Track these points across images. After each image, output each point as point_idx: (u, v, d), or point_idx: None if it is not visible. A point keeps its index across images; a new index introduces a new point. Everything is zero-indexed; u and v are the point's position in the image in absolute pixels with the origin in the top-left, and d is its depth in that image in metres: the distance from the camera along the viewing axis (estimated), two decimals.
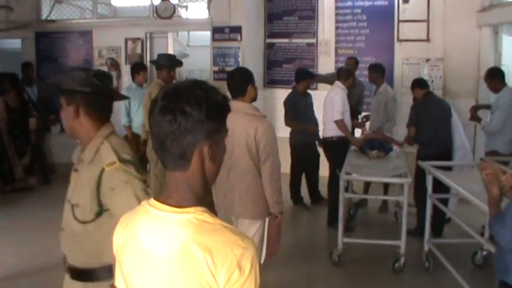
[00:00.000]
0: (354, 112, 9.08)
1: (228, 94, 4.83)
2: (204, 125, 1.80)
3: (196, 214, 1.82)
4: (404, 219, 6.38)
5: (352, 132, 8.81)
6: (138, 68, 9.46)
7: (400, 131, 8.87)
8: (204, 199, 1.91)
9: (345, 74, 8.27)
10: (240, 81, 4.78)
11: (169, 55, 8.30)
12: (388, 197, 8.59)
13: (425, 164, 6.64)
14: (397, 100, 9.20)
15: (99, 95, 2.86)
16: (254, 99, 4.88)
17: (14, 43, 13.06)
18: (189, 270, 1.75)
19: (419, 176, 7.10)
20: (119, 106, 9.55)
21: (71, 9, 12.55)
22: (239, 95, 4.76)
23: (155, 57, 11.73)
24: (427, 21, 10.07)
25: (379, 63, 9.26)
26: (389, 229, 7.88)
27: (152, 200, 1.90)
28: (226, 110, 1.91)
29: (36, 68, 12.15)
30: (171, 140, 1.79)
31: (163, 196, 1.89)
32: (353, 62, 9.46)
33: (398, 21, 10.35)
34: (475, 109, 8.17)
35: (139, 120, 8.53)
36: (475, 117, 8.06)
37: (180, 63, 8.20)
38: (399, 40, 10.40)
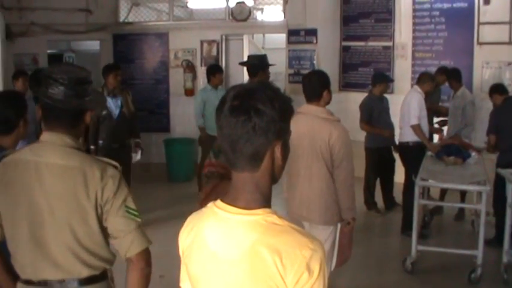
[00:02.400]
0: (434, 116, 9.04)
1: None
2: (276, 125, 1.81)
3: (264, 216, 1.81)
4: (482, 229, 6.20)
5: (431, 138, 8.64)
6: (213, 70, 9.57)
7: (479, 137, 8.61)
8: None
9: (423, 78, 8.10)
10: (317, 85, 4.74)
11: (261, 55, 8.21)
12: (465, 205, 8.35)
13: (505, 172, 6.44)
14: (476, 105, 8.94)
15: None
16: (328, 103, 4.83)
17: (93, 45, 13.39)
18: (257, 272, 1.75)
19: (499, 184, 6.88)
20: (193, 107, 9.68)
21: (147, 12, 12.76)
22: (314, 98, 4.72)
23: (230, 59, 11.85)
24: (510, 23, 9.74)
25: (454, 67, 9.08)
26: (465, 238, 7.69)
27: (219, 202, 1.90)
28: (293, 110, 1.92)
29: None
30: (245, 140, 1.78)
31: (230, 198, 1.88)
32: (443, 75, 9.15)
33: (479, 23, 10.04)
34: None
35: (213, 121, 8.55)
36: None
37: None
38: (479, 43, 10.09)
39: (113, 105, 8.13)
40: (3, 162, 2.71)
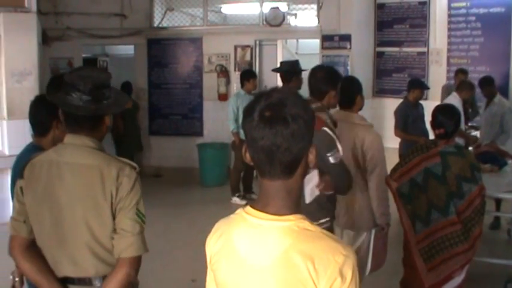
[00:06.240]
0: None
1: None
2: (310, 129, 1.81)
3: (297, 222, 1.80)
4: None
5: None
6: (247, 75, 9.61)
7: None
8: None
9: (462, 86, 8.09)
10: (350, 91, 4.70)
11: (293, 61, 8.14)
12: (500, 214, 8.21)
13: None
14: None
15: None
16: (360, 108, 4.79)
17: (127, 49, 13.54)
18: (290, 278, 1.74)
19: None
20: (226, 112, 9.70)
21: (182, 17, 12.84)
22: (347, 104, 4.69)
23: (264, 64, 11.85)
24: None
25: (487, 76, 8.96)
26: (501, 247, 7.55)
27: (249, 208, 1.88)
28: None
29: (147, 74, 12.50)
30: (285, 148, 1.76)
31: (260, 204, 1.87)
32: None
33: None
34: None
35: None
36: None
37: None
38: None
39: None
40: (31, 162, 2.82)
